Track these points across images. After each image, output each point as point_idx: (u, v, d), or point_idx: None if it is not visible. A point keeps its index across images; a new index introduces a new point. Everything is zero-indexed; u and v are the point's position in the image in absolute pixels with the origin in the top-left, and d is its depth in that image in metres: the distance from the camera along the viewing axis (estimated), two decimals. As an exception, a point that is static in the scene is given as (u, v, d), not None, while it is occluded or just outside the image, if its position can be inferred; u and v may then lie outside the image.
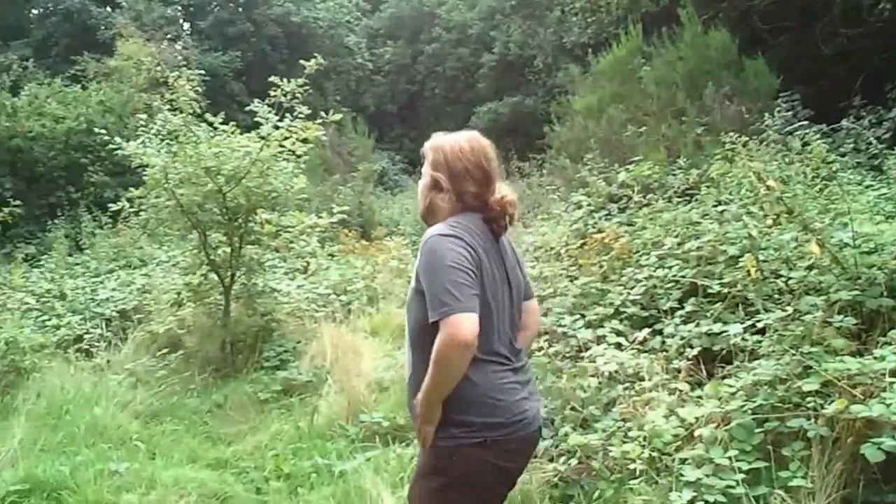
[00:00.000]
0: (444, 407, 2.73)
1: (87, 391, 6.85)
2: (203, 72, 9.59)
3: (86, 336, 8.46)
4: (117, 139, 8.03)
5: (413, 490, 2.95)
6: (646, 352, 5.21)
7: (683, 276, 5.82)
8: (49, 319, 8.84)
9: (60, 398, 6.59)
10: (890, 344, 3.98)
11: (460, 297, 2.62)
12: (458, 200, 2.88)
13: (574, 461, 4.43)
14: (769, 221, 5.81)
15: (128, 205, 8.61)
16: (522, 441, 2.86)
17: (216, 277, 8.18)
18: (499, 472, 2.85)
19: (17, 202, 13.48)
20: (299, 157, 8.07)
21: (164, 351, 8.06)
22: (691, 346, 5.01)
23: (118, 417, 6.40)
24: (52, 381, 6.97)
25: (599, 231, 7.51)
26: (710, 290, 5.48)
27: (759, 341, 4.55)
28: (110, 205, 9.26)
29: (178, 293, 8.53)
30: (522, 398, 2.86)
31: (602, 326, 5.61)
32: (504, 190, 2.93)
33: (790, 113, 9.74)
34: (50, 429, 6.03)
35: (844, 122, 9.99)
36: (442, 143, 2.95)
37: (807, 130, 8.28)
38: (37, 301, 9.56)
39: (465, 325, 2.60)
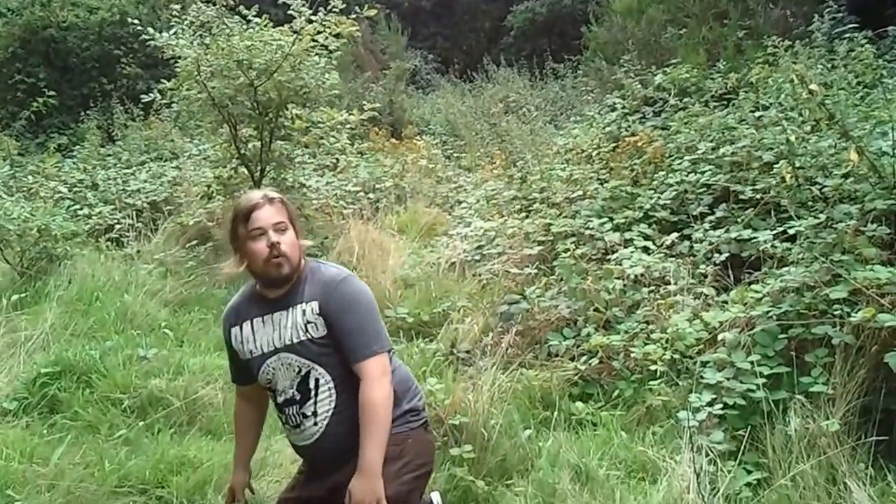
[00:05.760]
0: (395, 402, 2.74)
1: (117, 279, 6.96)
2: (237, -38, 9.40)
3: (117, 226, 8.60)
4: (150, 30, 7.95)
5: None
6: (673, 256, 5.20)
7: (716, 182, 5.76)
8: (81, 209, 8.94)
9: (91, 285, 6.68)
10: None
11: (384, 333, 2.79)
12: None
13: (595, 361, 4.47)
14: (808, 127, 5.69)
15: (159, 97, 8.58)
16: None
17: (246, 171, 8.11)
18: (433, 450, 3.08)
19: (51, 92, 13.65)
20: (332, 52, 7.93)
21: (194, 242, 8.17)
22: (719, 252, 5.00)
23: (147, 305, 6.48)
24: (83, 269, 7.06)
25: (633, 134, 7.43)
26: (742, 197, 5.42)
27: (790, 248, 4.51)
28: (142, 97, 9.25)
29: (208, 186, 8.50)
30: None
31: (630, 230, 5.61)
32: None
33: (840, 15, 9.38)
34: (81, 314, 6.13)
35: (891, 29, 9.64)
36: (279, 194, 2.82)
37: (854, 34, 7.98)
38: (69, 190, 9.65)
39: (386, 359, 2.74)
